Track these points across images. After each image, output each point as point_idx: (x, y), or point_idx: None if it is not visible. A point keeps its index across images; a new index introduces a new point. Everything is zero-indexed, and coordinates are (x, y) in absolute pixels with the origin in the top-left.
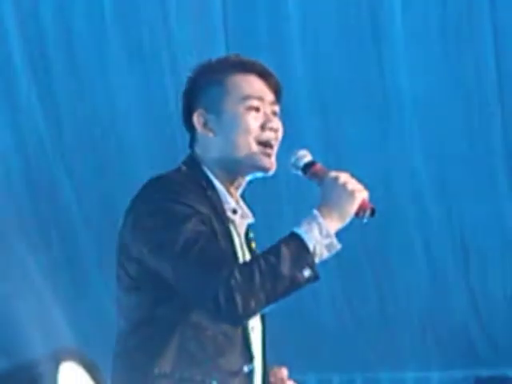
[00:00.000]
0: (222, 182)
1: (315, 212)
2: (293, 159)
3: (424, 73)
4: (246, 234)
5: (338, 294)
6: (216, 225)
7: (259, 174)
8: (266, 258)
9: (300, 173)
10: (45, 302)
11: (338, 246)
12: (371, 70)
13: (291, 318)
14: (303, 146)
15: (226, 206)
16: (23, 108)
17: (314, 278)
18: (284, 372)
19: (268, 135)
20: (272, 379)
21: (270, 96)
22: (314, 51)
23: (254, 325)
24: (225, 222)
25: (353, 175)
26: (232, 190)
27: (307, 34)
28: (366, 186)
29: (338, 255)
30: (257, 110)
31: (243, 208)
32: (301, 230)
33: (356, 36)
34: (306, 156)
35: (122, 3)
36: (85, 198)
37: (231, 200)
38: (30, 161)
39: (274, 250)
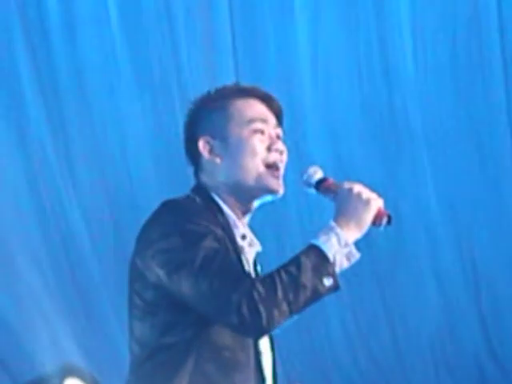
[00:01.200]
0: (231, 208)
1: (332, 223)
2: (304, 177)
3: (434, 103)
4: (254, 264)
5: (351, 329)
6: (229, 246)
7: (268, 198)
8: (287, 269)
9: (313, 190)
10: (55, 329)
11: (358, 255)
12: (381, 100)
13: (304, 352)
14: None
15: (236, 232)
16: (32, 135)
17: (336, 287)
18: None
19: (274, 157)
20: None
21: (272, 119)
22: (324, 80)
23: (264, 350)
24: (236, 248)
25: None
26: (241, 216)
27: (318, 63)
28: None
29: (349, 286)
30: (262, 132)
31: (252, 236)
32: (319, 241)
33: (367, 67)
34: (317, 172)
35: (131, 31)
36: (94, 225)
37: (241, 226)
38: (39, 187)
39: (294, 262)
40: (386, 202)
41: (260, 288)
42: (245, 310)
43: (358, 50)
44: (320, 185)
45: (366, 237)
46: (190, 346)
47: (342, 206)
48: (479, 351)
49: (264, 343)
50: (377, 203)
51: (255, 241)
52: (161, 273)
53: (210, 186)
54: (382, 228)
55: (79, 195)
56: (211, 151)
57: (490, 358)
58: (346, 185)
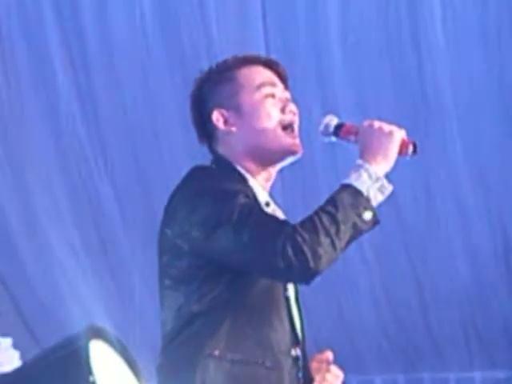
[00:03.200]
0: (253, 177)
1: (359, 161)
2: (322, 127)
3: (464, 74)
4: None
5: (379, 295)
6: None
7: (288, 160)
8: (324, 209)
9: (333, 138)
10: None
11: (390, 187)
12: (411, 72)
13: (332, 320)
14: (341, 149)
15: (260, 199)
16: (63, 113)
17: (375, 221)
18: (328, 354)
19: (290, 118)
20: (315, 364)
21: (279, 83)
22: (353, 53)
23: (294, 313)
24: None
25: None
26: (263, 183)
27: (347, 36)
28: (406, 187)
29: (379, 256)
30: (272, 96)
31: (273, 204)
32: (351, 180)
33: (396, 39)
34: (332, 120)
35: (161, 7)
36: (125, 202)
37: (264, 193)
38: (71, 165)
39: (331, 202)
40: (416, 174)
41: (301, 231)
42: (290, 252)
43: (387, 22)
44: (339, 130)
45: (396, 208)
46: (225, 310)
47: (367, 143)
48: (510, 322)
49: (294, 308)
50: (400, 134)
51: (277, 208)
52: (197, 235)
53: (230, 157)
54: (408, 157)
55: (110, 173)
56: (226, 122)
57: None
58: (366, 123)
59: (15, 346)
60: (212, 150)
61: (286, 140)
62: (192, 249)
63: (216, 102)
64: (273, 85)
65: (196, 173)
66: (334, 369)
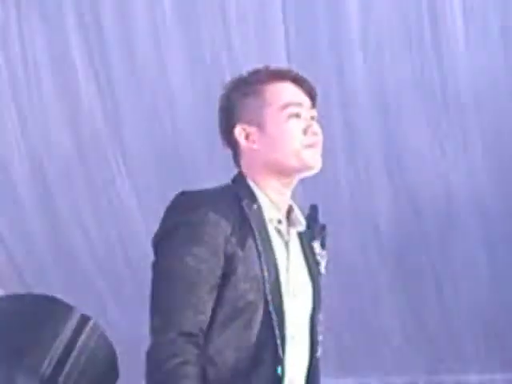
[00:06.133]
0: (266, 193)
1: None
2: None
3: (485, 75)
4: (302, 244)
5: (400, 296)
6: (241, 242)
7: (306, 174)
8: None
9: None
10: (106, 306)
11: None
12: (432, 73)
13: (353, 322)
14: (362, 147)
15: (268, 216)
16: (83, 107)
17: None
18: None
19: (311, 139)
20: None
21: (307, 101)
22: (374, 53)
23: (296, 334)
24: (262, 232)
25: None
26: (277, 198)
27: (368, 37)
28: (426, 189)
29: (398, 256)
30: (297, 116)
31: (295, 216)
32: None
33: (417, 39)
34: None
35: (183, 6)
36: (143, 196)
37: (274, 211)
38: (89, 158)
39: None
40: (436, 175)
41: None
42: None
43: (408, 22)
44: None
45: (416, 207)
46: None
47: None
48: None
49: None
50: None
51: (297, 220)
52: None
53: (248, 172)
54: None
55: (129, 167)
56: (248, 138)
57: None
58: None
59: None
60: (235, 160)
61: (307, 157)
62: None
63: (240, 116)
64: (299, 104)
65: (170, 214)
66: None
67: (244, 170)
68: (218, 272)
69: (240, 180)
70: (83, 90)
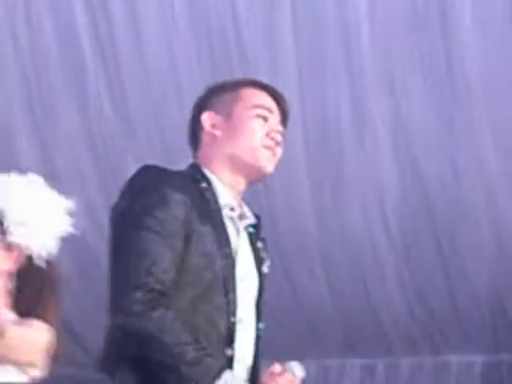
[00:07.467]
0: (222, 182)
1: None
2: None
3: (492, 54)
4: (250, 238)
5: (406, 279)
6: (199, 220)
7: (256, 177)
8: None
9: None
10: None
11: None
12: (439, 52)
13: (360, 305)
14: (370, 129)
15: (222, 201)
16: (91, 94)
17: None
18: (275, 367)
19: (271, 143)
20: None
21: (278, 116)
22: (381, 31)
23: (243, 317)
24: (216, 216)
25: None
26: (232, 189)
27: (376, 15)
28: (433, 174)
29: (405, 239)
30: (264, 119)
31: (244, 210)
32: None
33: (424, 19)
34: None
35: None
36: None
37: (229, 197)
38: (98, 147)
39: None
40: (443, 160)
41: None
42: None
43: (416, 7)
44: None
45: (423, 190)
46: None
47: None
48: None
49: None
50: None
51: (248, 214)
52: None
53: (205, 160)
54: None
55: (137, 155)
56: (213, 125)
57: None
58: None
59: None
60: (193, 147)
61: (261, 154)
62: None
63: (211, 106)
64: (270, 111)
65: (134, 185)
66: (287, 376)
67: (201, 158)
68: (181, 234)
69: (195, 167)
70: (92, 81)
